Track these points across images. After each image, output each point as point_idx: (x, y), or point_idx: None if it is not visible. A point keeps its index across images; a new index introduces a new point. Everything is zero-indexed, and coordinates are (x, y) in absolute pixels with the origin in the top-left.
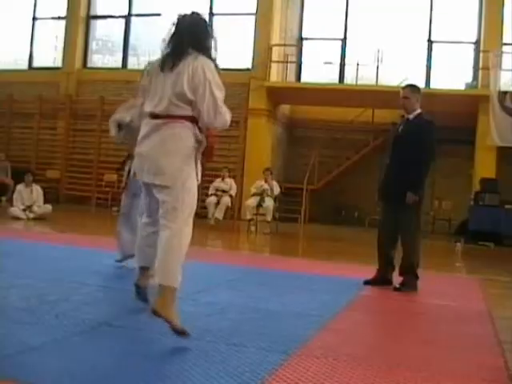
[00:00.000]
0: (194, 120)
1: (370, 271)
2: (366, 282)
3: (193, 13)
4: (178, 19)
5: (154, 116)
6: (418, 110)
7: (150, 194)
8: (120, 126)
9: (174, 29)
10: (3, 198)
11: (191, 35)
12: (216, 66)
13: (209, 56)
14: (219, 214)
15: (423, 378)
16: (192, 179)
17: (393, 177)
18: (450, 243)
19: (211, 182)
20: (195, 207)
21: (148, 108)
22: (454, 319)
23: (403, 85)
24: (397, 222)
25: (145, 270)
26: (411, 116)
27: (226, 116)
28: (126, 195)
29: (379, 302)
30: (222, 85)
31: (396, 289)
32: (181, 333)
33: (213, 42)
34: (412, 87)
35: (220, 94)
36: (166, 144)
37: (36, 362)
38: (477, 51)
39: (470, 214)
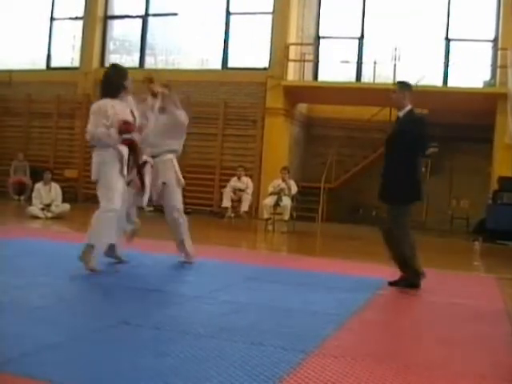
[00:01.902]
0: None
1: (388, 271)
2: (391, 283)
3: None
4: None
5: None
6: (408, 107)
7: None
8: None
9: None
10: (21, 197)
11: None
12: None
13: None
14: (244, 207)
15: (441, 377)
16: None
17: (385, 176)
18: (468, 242)
19: (227, 181)
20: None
21: None
22: (471, 318)
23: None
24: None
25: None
26: (401, 113)
27: None
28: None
29: (397, 301)
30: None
31: (390, 283)
32: (92, 270)
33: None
34: (400, 83)
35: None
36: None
37: (53, 360)
38: (495, 49)
39: (488, 213)
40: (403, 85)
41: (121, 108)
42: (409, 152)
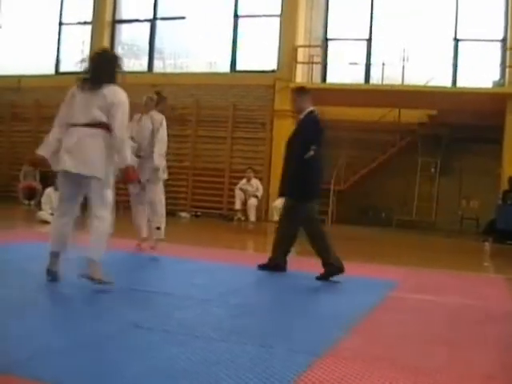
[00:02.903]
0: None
1: (399, 272)
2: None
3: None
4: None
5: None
6: (308, 109)
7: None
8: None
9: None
10: (32, 202)
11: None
12: None
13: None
14: (252, 217)
15: (451, 378)
16: None
17: (283, 173)
18: (478, 242)
19: (237, 184)
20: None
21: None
22: (480, 319)
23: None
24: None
25: (57, 255)
26: (301, 115)
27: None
28: (133, 185)
29: (406, 302)
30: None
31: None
32: (107, 283)
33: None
34: (298, 91)
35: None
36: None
37: (62, 363)
38: (504, 49)
39: (497, 213)
40: (300, 91)
41: None
42: (303, 152)
